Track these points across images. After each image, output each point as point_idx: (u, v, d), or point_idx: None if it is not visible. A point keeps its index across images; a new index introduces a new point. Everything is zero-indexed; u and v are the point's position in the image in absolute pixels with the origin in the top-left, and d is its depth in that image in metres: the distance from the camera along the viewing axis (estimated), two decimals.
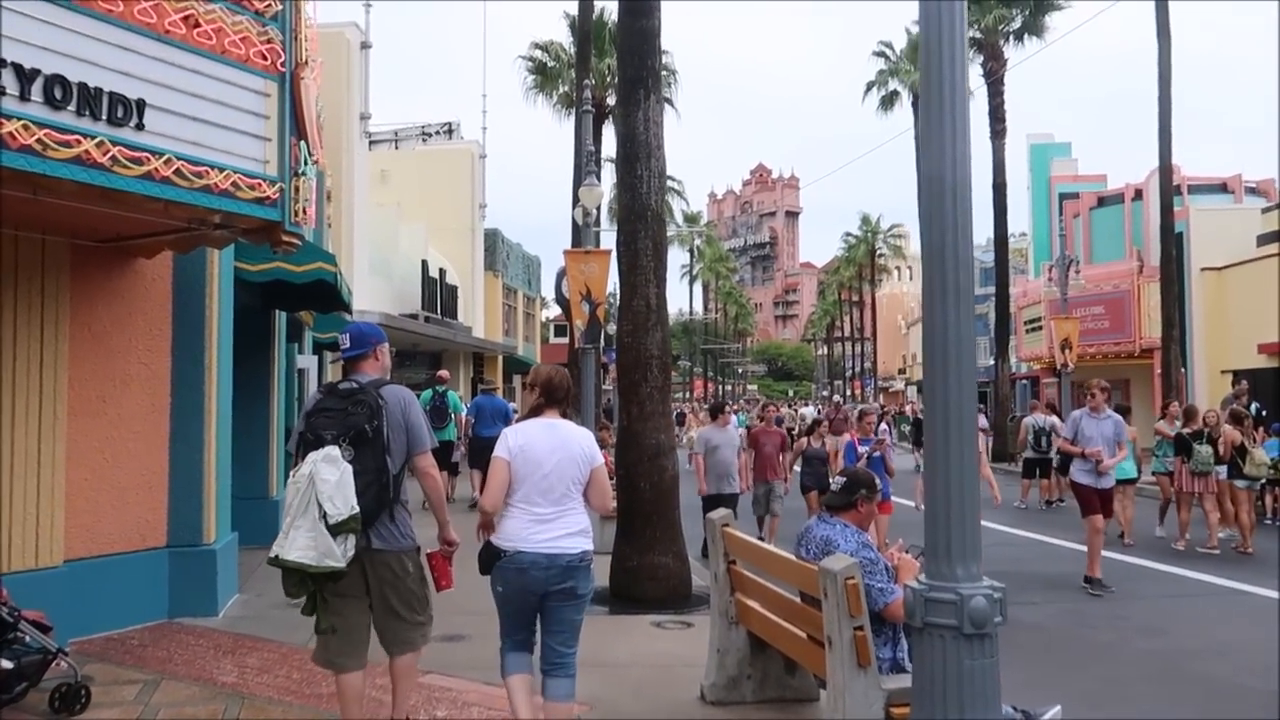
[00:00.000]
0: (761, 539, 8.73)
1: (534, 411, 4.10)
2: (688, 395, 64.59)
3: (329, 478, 3.75)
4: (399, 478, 4.04)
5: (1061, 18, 26.71)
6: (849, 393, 70.67)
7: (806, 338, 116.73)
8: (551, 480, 3.90)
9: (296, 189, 5.35)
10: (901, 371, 75.85)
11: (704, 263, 67.20)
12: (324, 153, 18.02)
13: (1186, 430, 11.50)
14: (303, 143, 5.42)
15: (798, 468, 11.34)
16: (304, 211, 5.45)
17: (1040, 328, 30.25)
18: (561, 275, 23.29)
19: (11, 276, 5.67)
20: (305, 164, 5.44)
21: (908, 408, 37.89)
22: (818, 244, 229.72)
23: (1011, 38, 26.37)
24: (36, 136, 4.12)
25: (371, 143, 24.56)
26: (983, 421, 17.36)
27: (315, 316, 13.06)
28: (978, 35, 26.64)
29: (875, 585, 3.82)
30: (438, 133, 29.97)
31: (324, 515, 3.73)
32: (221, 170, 4.90)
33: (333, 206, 18.13)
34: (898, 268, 79.71)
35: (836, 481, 4.16)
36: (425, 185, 27.80)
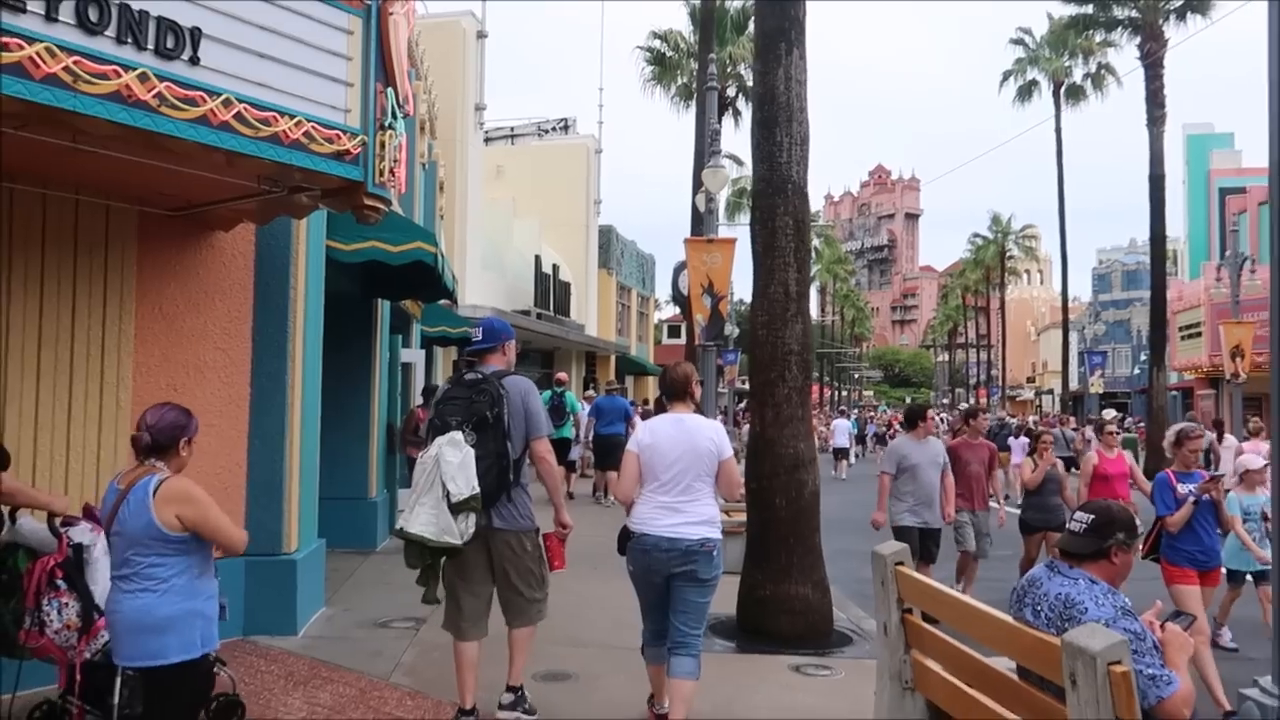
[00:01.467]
0: (954, 586, 7.11)
1: (660, 408, 4.67)
2: None
3: (452, 459, 4.14)
4: (519, 462, 4.42)
5: None
6: (973, 401, 67.43)
7: (925, 343, 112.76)
8: (676, 472, 4.24)
9: (382, 144, 4.52)
10: (1031, 380, 72.11)
11: (821, 264, 65.17)
12: (439, 143, 17.61)
13: None
14: (390, 90, 4.59)
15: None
16: (390, 172, 4.62)
17: (1198, 334, 27.68)
18: (679, 270, 22.37)
19: (70, 247, 5.04)
20: (393, 116, 4.60)
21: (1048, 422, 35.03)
22: (936, 247, 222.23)
23: (1173, 16, 24.04)
24: (65, 64, 3.36)
25: (487, 139, 24.18)
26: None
27: (423, 309, 12.46)
28: (1133, 14, 24.44)
29: (1147, 672, 2.68)
30: (554, 129, 29.48)
31: (447, 494, 4.11)
32: (292, 117, 4.10)
33: (445, 198, 17.64)
34: (1027, 271, 75.91)
35: (1077, 519, 3.03)
36: (539, 180, 27.31)
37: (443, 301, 12.67)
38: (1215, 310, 26.24)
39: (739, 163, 32.82)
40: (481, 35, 20.45)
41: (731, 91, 25.30)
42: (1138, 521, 3.07)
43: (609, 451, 13.07)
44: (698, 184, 19.18)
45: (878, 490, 7.30)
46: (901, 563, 3.98)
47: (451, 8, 20.04)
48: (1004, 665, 3.29)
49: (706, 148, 12.32)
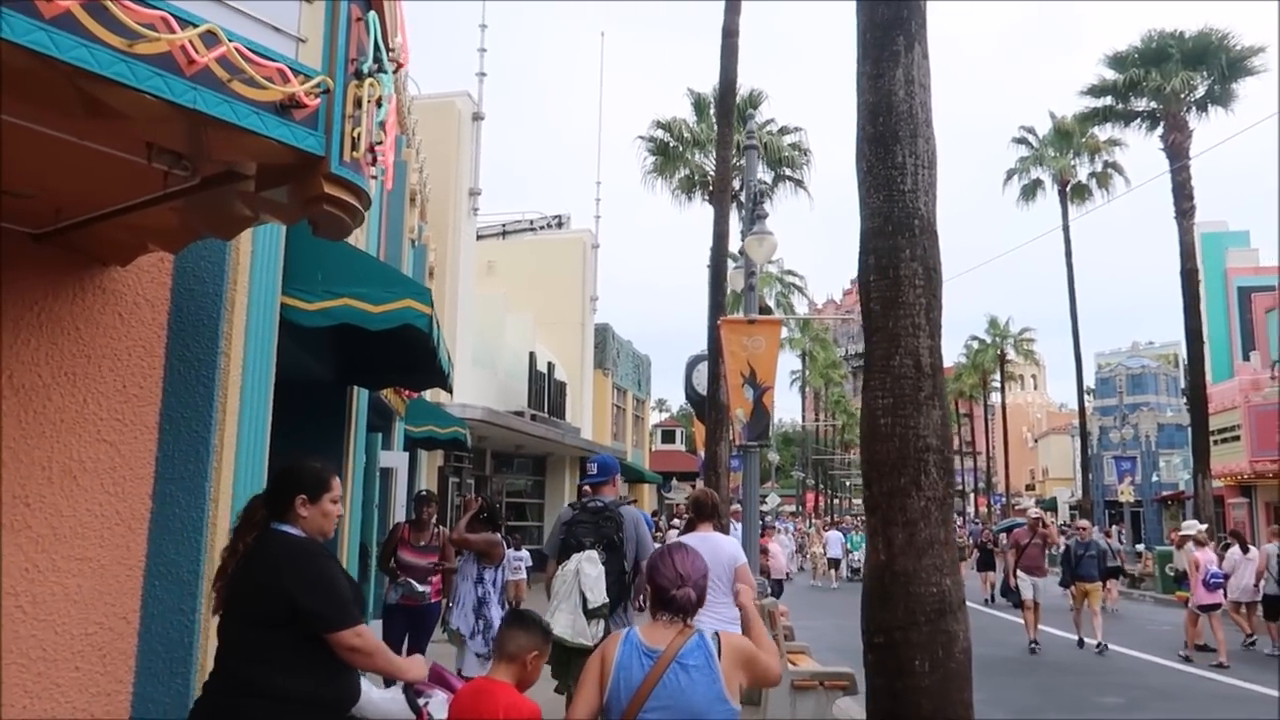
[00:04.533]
0: None
1: (689, 526, 5.93)
2: (799, 509, 60.51)
3: (590, 572, 5.16)
4: (633, 577, 5.47)
5: (1254, 83, 23.34)
6: (971, 510, 65.31)
7: None
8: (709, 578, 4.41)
9: (357, 100, 2.76)
10: (1030, 488, 70.15)
11: (815, 368, 63.84)
12: (430, 227, 16.07)
13: None
14: (372, 18, 2.85)
15: None
16: (369, 148, 2.85)
17: (1234, 438, 26.03)
18: (694, 364, 20.70)
19: None
20: (376, 61, 2.85)
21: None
22: None
23: (1194, 107, 23.22)
24: None
25: (478, 236, 22.78)
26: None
27: (408, 404, 10.59)
28: (1154, 105, 23.62)
29: None
30: (547, 224, 28.22)
31: (584, 601, 5.03)
32: (198, 27, 2.35)
33: (434, 284, 15.99)
34: (1021, 376, 74.92)
35: None
36: (534, 275, 25.85)
37: (428, 394, 10.82)
38: (1254, 413, 24.69)
39: (734, 259, 31.53)
40: (478, 117, 19.24)
41: (738, 183, 24.09)
42: None
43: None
44: (717, 270, 17.66)
45: None
46: None
47: (446, 88, 18.82)
48: None
49: (752, 202, 10.65)
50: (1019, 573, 13.58)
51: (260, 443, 4.59)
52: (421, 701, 3.14)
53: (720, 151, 18.52)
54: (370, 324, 5.09)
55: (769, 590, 14.88)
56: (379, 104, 2.90)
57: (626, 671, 2.69)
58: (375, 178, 2.98)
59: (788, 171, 25.36)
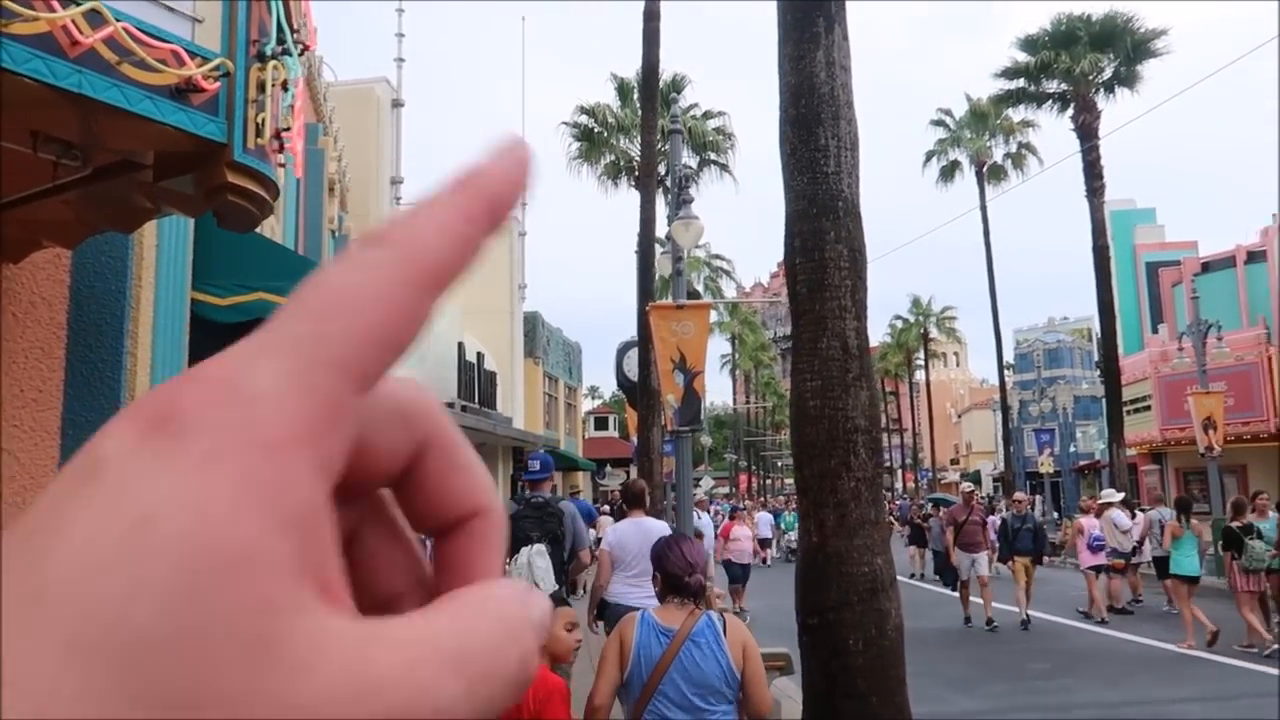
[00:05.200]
0: None
1: (621, 513, 7.21)
2: (733, 491, 61.12)
3: (541, 565, 5.60)
4: (568, 566, 6.15)
5: (1158, 65, 24.12)
6: (900, 486, 66.80)
7: None
8: (639, 560, 5.69)
9: (261, 85, 2.63)
10: (954, 462, 71.98)
11: (745, 351, 64.42)
12: (350, 217, 15.69)
13: (1236, 524, 10.78)
14: (274, 1, 2.72)
15: None
16: (275, 135, 2.72)
17: (1145, 408, 27.05)
18: (624, 351, 20.66)
19: None
20: (280, 43, 2.72)
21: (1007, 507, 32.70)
22: None
23: (1102, 89, 23.94)
24: None
25: None
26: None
27: None
28: (1065, 87, 24.28)
29: None
30: None
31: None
32: (78, 5, 2.20)
33: None
34: (944, 353, 76.70)
35: None
36: None
37: None
38: (1163, 383, 25.67)
39: (662, 244, 31.56)
40: (398, 104, 18.82)
41: (664, 168, 24.07)
42: None
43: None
44: (644, 255, 17.65)
45: None
46: None
47: (365, 75, 18.36)
48: None
49: (677, 184, 10.63)
50: (957, 550, 13.52)
51: None
52: None
53: (645, 136, 18.50)
54: None
55: (740, 575, 14.99)
56: (285, 88, 2.77)
57: (646, 649, 3.08)
58: (283, 165, 2.85)
59: (713, 156, 25.47)
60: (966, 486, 14.10)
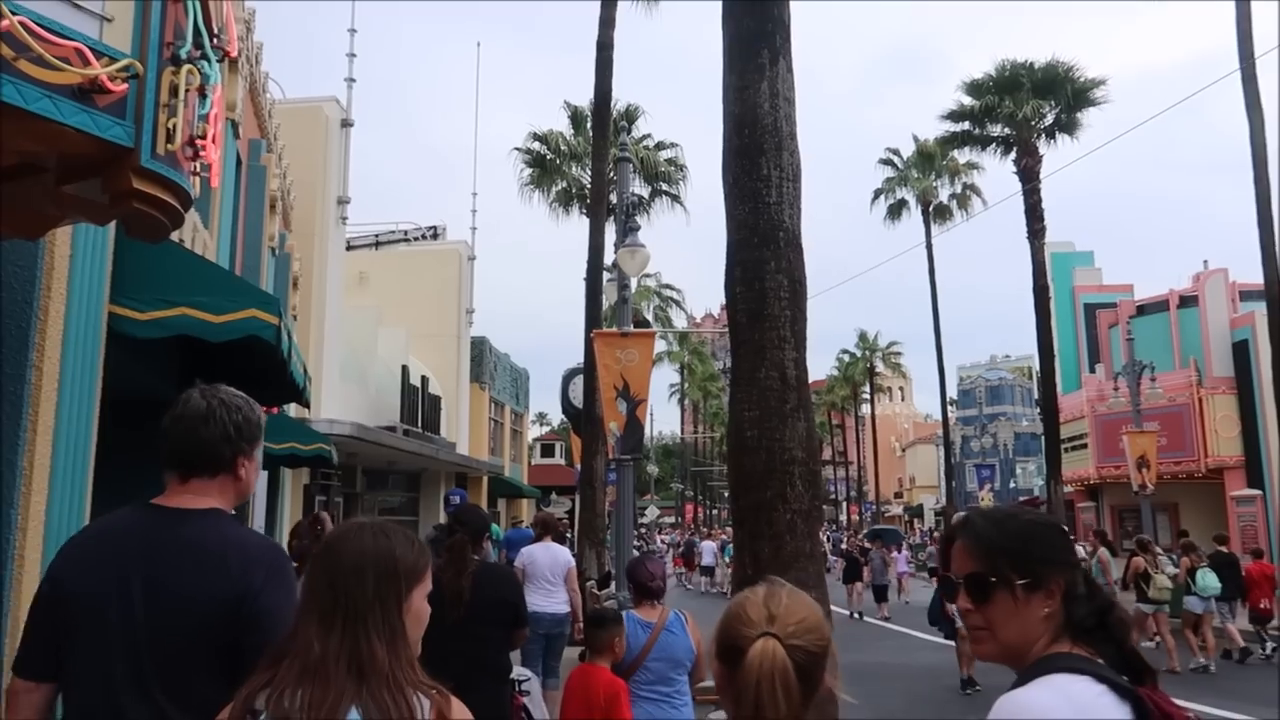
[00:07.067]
0: None
1: (538, 539, 8.26)
2: (679, 520, 60.99)
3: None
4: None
5: (1098, 114, 24.86)
6: (844, 518, 67.25)
7: None
8: (546, 575, 7.69)
9: (174, 89, 2.51)
10: (898, 495, 72.75)
11: (694, 381, 64.62)
12: (295, 236, 15.41)
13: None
14: (192, 2, 2.61)
15: None
16: (190, 142, 2.60)
17: (1082, 446, 27.57)
18: (570, 378, 20.51)
19: None
20: (197, 46, 2.61)
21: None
22: None
23: (1044, 134, 24.58)
24: None
25: (349, 246, 22.06)
26: None
27: (267, 420, 10.03)
28: (1008, 131, 24.89)
29: None
30: (422, 236, 27.61)
31: None
32: None
33: (299, 297, 15.35)
34: (890, 388, 77.70)
35: None
36: (408, 287, 25.18)
37: (292, 409, 10.34)
38: (1099, 422, 26.21)
39: (610, 272, 31.53)
40: (347, 124, 18.60)
41: (615, 197, 24.10)
42: None
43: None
44: (592, 283, 17.59)
45: None
46: None
47: (313, 93, 18.14)
48: None
49: (625, 213, 10.60)
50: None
51: (81, 464, 4.20)
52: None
53: (596, 165, 18.52)
54: (211, 335, 4.73)
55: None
56: (202, 94, 2.66)
57: (634, 637, 4.11)
58: (198, 175, 2.72)
59: (664, 186, 25.55)
60: (959, 516, 12.77)
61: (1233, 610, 13.20)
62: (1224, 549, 13.53)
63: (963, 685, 10.49)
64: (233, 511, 2.22)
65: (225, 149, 7.44)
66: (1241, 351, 23.67)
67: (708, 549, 28.62)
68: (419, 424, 22.21)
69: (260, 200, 10.62)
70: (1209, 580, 12.41)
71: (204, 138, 2.71)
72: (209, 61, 2.66)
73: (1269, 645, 12.95)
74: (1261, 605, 13.19)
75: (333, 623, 1.54)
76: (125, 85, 2.38)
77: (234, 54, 2.93)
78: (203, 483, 2.16)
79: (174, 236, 5.15)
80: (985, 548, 1.61)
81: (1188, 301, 25.94)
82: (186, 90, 2.55)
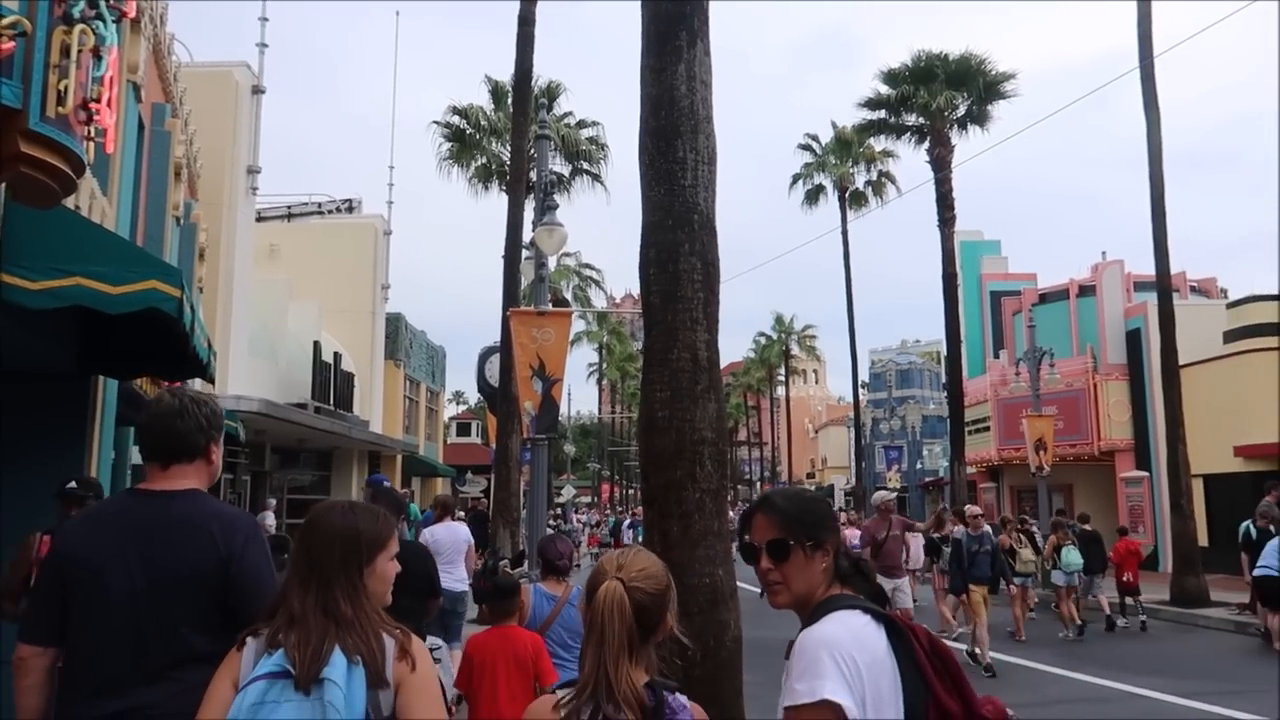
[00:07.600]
0: None
1: (438, 519, 8.86)
2: (595, 500, 61.19)
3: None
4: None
5: (1008, 107, 25.69)
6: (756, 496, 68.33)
7: None
8: (450, 552, 8.44)
9: (65, 49, 2.42)
10: (810, 476, 74.33)
11: (612, 361, 64.73)
12: (202, 205, 14.89)
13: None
14: None
15: None
16: (84, 106, 2.51)
17: (985, 429, 28.58)
18: (486, 356, 20.35)
19: None
20: (93, 7, 2.51)
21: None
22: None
23: (956, 125, 25.24)
24: None
25: (260, 218, 21.42)
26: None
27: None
28: (922, 121, 25.48)
29: None
30: (336, 209, 26.94)
31: None
32: None
33: (206, 268, 14.86)
34: (804, 370, 79.15)
35: None
36: (322, 261, 24.62)
37: (196, 384, 10.03)
38: (1001, 405, 27.18)
39: (528, 250, 31.28)
40: (258, 90, 18.04)
41: (535, 175, 23.90)
42: None
43: None
44: (510, 261, 17.45)
45: None
46: None
47: (223, 58, 17.51)
48: None
49: (543, 189, 10.54)
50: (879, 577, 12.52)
51: None
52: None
53: (515, 141, 18.33)
54: (108, 306, 4.56)
55: None
56: (96, 55, 2.56)
57: (539, 608, 4.64)
58: (93, 140, 2.63)
59: (585, 165, 25.46)
60: (884, 496, 11.54)
61: (1095, 583, 14.24)
62: (1088, 527, 14.58)
63: None
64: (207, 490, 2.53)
65: (126, 112, 7.12)
66: (1134, 340, 24.79)
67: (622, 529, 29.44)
68: (331, 401, 21.78)
69: (164, 167, 10.23)
70: (1072, 557, 13.58)
71: (99, 100, 2.62)
72: (104, 22, 2.57)
73: (1141, 615, 14.18)
74: (1124, 578, 14.28)
75: (310, 584, 1.97)
76: (12, 44, 2.29)
77: (131, 14, 2.83)
78: (181, 468, 2.44)
79: (69, 203, 4.94)
80: (782, 518, 2.03)
81: (1086, 291, 27.03)
82: (79, 51, 2.46)
